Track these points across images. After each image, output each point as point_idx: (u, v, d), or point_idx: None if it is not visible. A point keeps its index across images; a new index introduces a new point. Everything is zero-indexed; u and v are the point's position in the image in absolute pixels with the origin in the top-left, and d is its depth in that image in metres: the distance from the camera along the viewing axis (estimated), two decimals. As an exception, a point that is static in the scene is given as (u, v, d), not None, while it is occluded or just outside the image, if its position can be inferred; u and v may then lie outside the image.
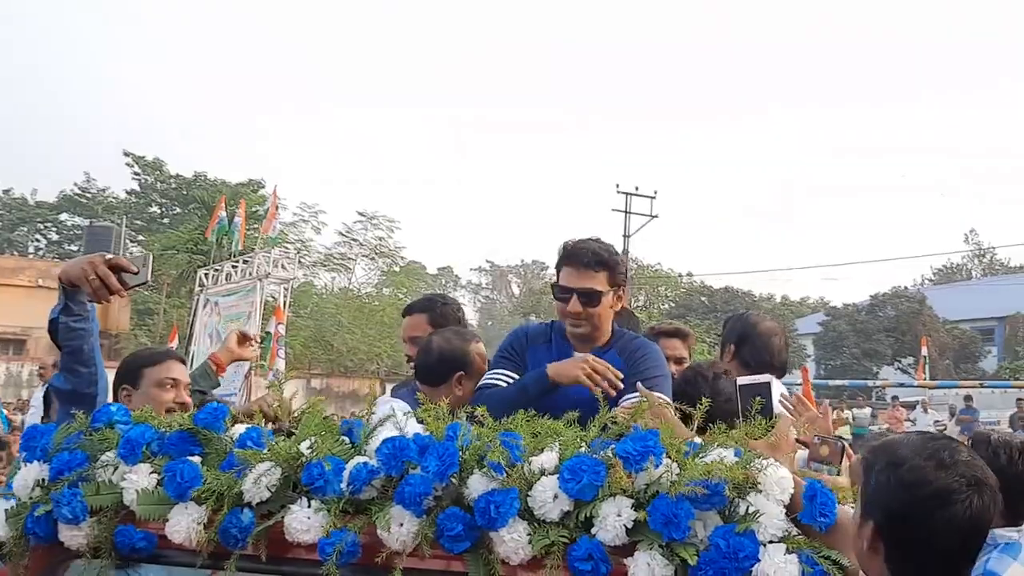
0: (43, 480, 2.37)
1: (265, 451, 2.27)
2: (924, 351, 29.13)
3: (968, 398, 25.45)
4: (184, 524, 2.22)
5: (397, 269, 40.67)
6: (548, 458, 2.15)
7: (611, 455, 2.09)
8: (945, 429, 23.74)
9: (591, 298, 3.24)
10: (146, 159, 44.97)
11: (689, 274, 54.77)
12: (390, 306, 35.96)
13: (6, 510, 2.41)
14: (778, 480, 1.99)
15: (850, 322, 43.97)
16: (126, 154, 45.03)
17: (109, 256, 2.84)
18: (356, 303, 36.75)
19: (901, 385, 27.43)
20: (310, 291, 38.09)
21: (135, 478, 2.29)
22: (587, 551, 2.00)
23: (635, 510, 2.00)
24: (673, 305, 52.45)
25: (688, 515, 1.96)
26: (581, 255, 3.28)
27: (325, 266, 39.57)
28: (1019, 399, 24.48)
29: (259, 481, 2.20)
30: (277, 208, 18.16)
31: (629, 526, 1.99)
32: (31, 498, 2.38)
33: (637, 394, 3.03)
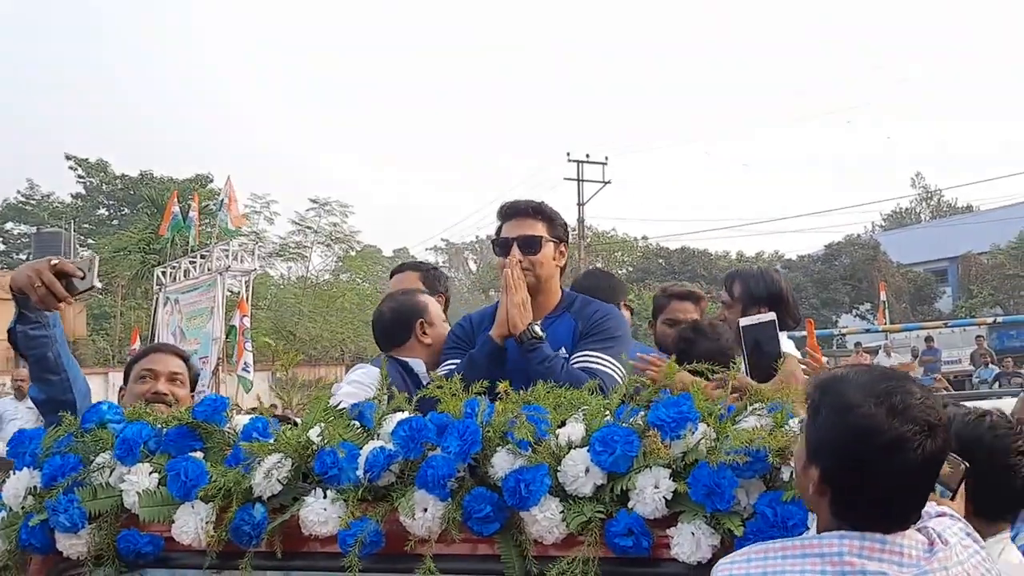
0: (35, 488, 2.24)
1: (273, 442, 2.14)
2: (883, 296, 29.41)
3: (929, 339, 25.77)
4: (192, 524, 2.10)
5: (353, 254, 40.21)
6: (575, 430, 2.04)
7: (641, 423, 1.99)
8: (912, 371, 24.14)
9: (531, 244, 3.19)
10: (89, 161, 44.11)
11: (644, 237, 54.92)
12: (350, 291, 35.62)
13: None
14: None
15: (807, 273, 44.34)
16: (68, 157, 44.15)
17: (55, 261, 2.68)
18: (315, 291, 36.36)
19: (867, 331, 27.68)
20: (267, 282, 37.65)
21: (135, 479, 2.16)
22: (627, 526, 1.90)
23: (673, 480, 1.90)
24: (631, 270, 52.55)
25: (732, 484, 1.85)
26: (518, 205, 3.30)
27: (281, 256, 39.05)
28: (978, 336, 24.89)
29: (270, 474, 2.07)
30: (235, 199, 17.75)
31: (668, 498, 1.89)
32: (23, 508, 2.24)
33: (596, 354, 2.97)
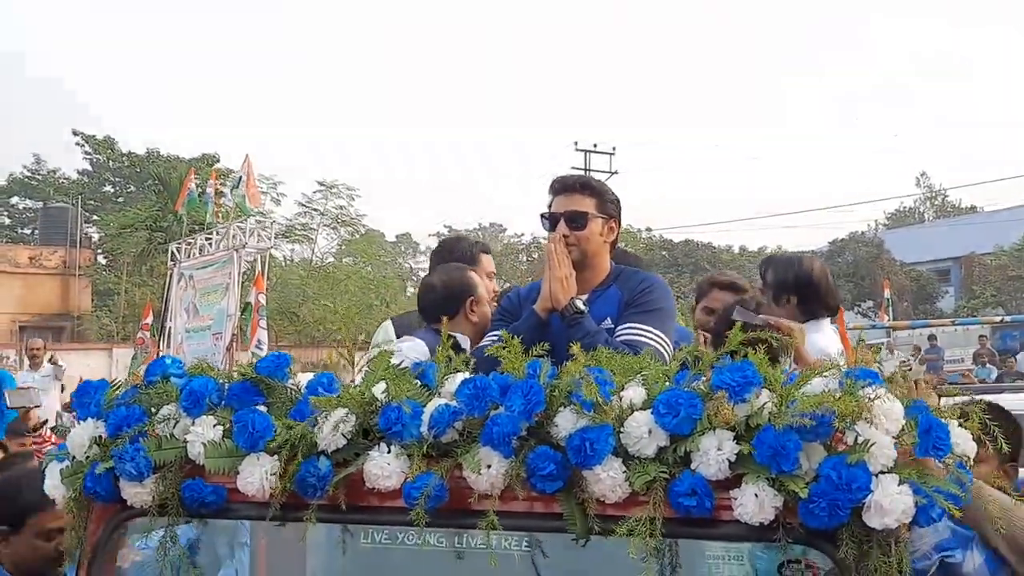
0: (100, 437, 2.26)
1: (338, 397, 2.18)
2: (887, 293, 29.43)
3: (932, 337, 25.81)
4: (257, 476, 2.13)
5: (358, 237, 40.19)
6: (637, 393, 2.07)
7: (704, 388, 2.02)
8: (911, 369, 24.04)
9: (577, 220, 3.22)
10: (96, 138, 43.97)
11: (648, 229, 54.90)
12: (354, 274, 35.57)
13: (61, 470, 2.31)
14: (886, 411, 1.92)
15: (810, 270, 44.32)
16: (75, 133, 44.04)
17: None
18: (321, 273, 36.33)
19: (872, 327, 27.66)
20: (273, 264, 37.59)
21: (200, 431, 2.19)
22: (691, 486, 1.93)
23: (736, 443, 1.93)
24: (635, 261, 52.43)
25: (796, 447, 1.88)
26: (567, 180, 3.34)
27: (287, 237, 39.00)
28: (981, 335, 24.89)
29: (337, 427, 2.11)
30: (253, 180, 17.70)
31: (732, 459, 1.92)
32: (88, 456, 2.27)
33: (640, 325, 3.01)
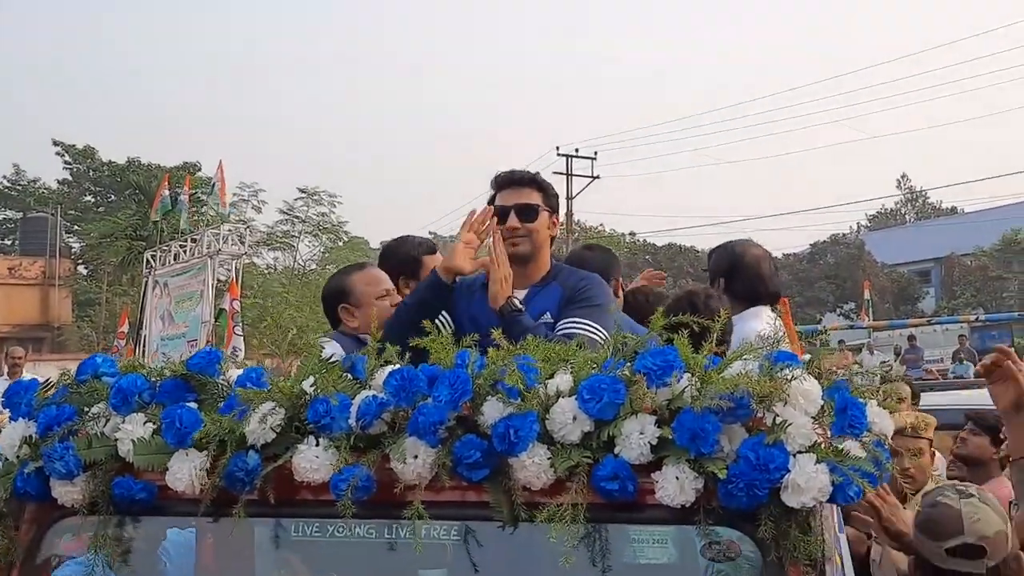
0: (31, 437, 2.25)
1: (267, 391, 2.17)
2: (867, 295, 29.62)
3: (912, 338, 25.94)
4: (186, 471, 2.12)
5: (340, 244, 40.18)
6: (563, 380, 2.08)
7: (628, 373, 2.03)
8: (891, 370, 24.20)
9: (528, 213, 3.27)
10: (76, 147, 43.84)
11: (632, 233, 55.03)
12: (337, 283, 35.36)
13: None
14: (804, 391, 1.94)
15: (791, 271, 44.54)
16: (55, 143, 43.89)
17: None
18: (302, 280, 36.29)
19: (851, 327, 27.81)
20: (254, 271, 37.52)
21: (130, 428, 2.18)
22: (613, 470, 1.94)
23: (658, 427, 1.95)
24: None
25: (715, 429, 1.90)
26: (515, 174, 3.38)
27: (268, 245, 38.98)
28: (961, 335, 25.06)
29: (264, 421, 2.11)
30: (225, 183, 17.71)
31: (654, 443, 1.94)
32: (19, 456, 2.26)
33: (574, 321, 3.03)
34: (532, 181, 3.36)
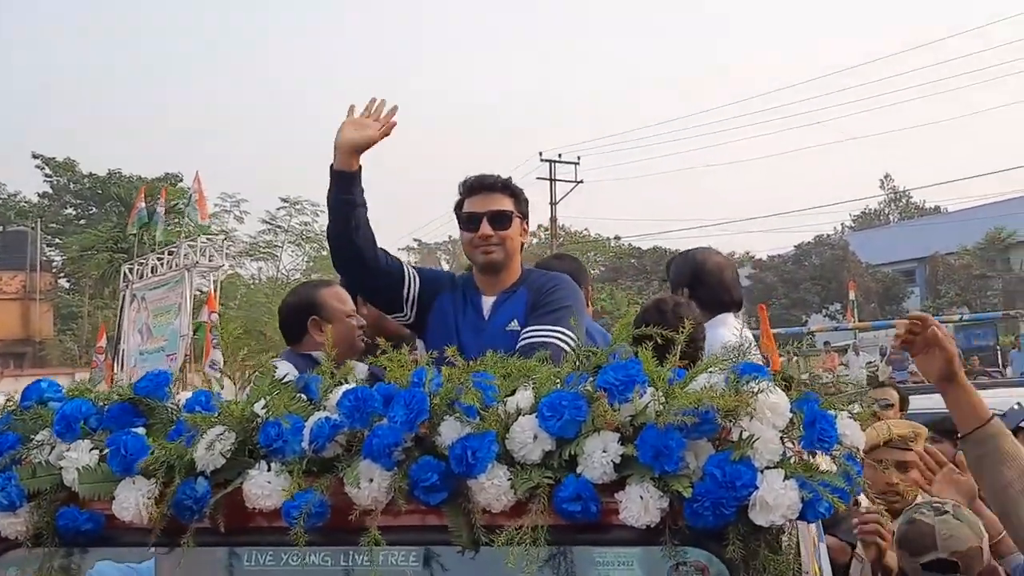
0: (-29, 467, 2.16)
1: (217, 415, 2.09)
2: (852, 295, 29.66)
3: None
4: (133, 500, 2.03)
5: (324, 253, 40.02)
6: (523, 397, 2.00)
7: (591, 388, 1.96)
8: (877, 370, 24.20)
9: (501, 219, 3.16)
10: (57, 160, 43.55)
11: (617, 238, 55.08)
12: (322, 292, 35.25)
13: None
14: (772, 404, 1.86)
15: (777, 273, 44.63)
16: (35, 156, 43.60)
17: None
18: (287, 290, 36.16)
19: (836, 329, 27.84)
20: (238, 282, 37.36)
21: (74, 456, 2.09)
22: (575, 491, 1.86)
23: (621, 444, 1.87)
24: (604, 269, 52.68)
25: (679, 445, 1.82)
26: (486, 180, 3.25)
27: (251, 255, 38.80)
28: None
29: (212, 447, 2.02)
30: (204, 195, 17.59)
31: (617, 461, 1.86)
32: (-40, 487, 2.16)
33: (543, 327, 2.95)
34: (504, 186, 3.25)
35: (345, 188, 3.00)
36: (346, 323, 3.33)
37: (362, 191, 3.05)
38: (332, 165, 3.02)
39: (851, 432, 1.93)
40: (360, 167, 3.04)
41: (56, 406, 2.21)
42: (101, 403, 2.21)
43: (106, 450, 2.09)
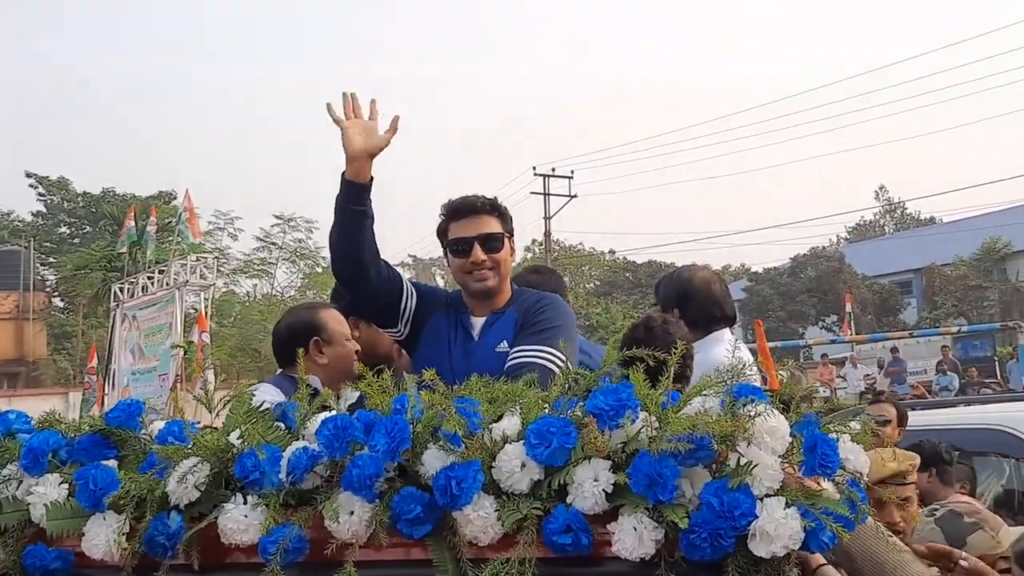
0: (-65, 503, 2.07)
1: (190, 446, 2.00)
2: (848, 307, 29.56)
3: (894, 350, 25.84)
4: (103, 537, 1.95)
5: (320, 270, 39.96)
6: (510, 423, 1.91)
7: (580, 414, 1.87)
8: (875, 382, 24.12)
9: (492, 241, 3.06)
10: (50, 179, 43.49)
11: (612, 252, 55.07)
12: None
13: None
14: (770, 429, 1.78)
15: (773, 286, 44.50)
16: (28, 175, 43.52)
17: None
18: (282, 308, 36.08)
19: (833, 342, 27.71)
20: (232, 300, 37.26)
21: (42, 490, 2.01)
22: (565, 522, 1.78)
23: (613, 472, 1.79)
24: (598, 283, 52.67)
25: (674, 473, 1.74)
26: (473, 202, 3.12)
27: (245, 273, 38.74)
28: (944, 346, 24.99)
29: (185, 479, 1.93)
30: (195, 213, 17.50)
31: (608, 490, 1.78)
32: (-73, 524, 2.08)
33: (531, 347, 2.86)
34: (492, 208, 3.13)
35: (357, 198, 2.90)
36: (346, 346, 3.25)
37: (371, 201, 2.96)
38: (344, 174, 2.91)
39: (854, 456, 1.84)
40: (372, 177, 2.94)
41: (25, 438, 2.12)
42: (71, 434, 2.12)
43: (75, 484, 2.01)
